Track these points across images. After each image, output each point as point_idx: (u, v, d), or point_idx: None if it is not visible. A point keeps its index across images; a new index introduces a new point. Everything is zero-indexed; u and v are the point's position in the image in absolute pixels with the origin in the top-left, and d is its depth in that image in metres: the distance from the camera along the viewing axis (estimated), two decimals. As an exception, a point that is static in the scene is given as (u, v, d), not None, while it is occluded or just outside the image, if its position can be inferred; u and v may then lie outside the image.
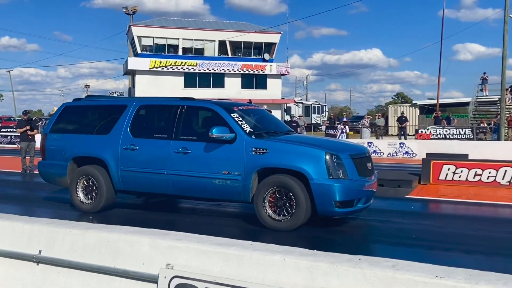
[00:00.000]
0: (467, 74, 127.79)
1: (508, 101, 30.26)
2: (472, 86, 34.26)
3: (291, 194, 6.24)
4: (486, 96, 33.52)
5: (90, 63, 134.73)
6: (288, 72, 45.34)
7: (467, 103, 35.21)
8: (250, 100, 8.66)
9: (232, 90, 42.52)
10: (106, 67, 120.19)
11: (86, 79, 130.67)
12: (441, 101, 40.53)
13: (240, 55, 44.22)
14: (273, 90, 44.46)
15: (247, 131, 6.66)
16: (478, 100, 33.50)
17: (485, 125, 26.40)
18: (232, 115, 6.89)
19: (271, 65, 43.81)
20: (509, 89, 30.70)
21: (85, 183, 7.71)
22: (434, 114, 29.49)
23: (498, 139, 21.59)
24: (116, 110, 7.77)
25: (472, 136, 23.73)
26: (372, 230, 6.87)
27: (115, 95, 42.46)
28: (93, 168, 7.63)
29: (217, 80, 43.02)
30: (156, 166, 7.07)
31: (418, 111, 40.04)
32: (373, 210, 7.54)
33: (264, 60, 44.06)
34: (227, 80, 43.39)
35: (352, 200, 6.29)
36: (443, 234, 6.44)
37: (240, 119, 6.88)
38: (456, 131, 24.35)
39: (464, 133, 24.09)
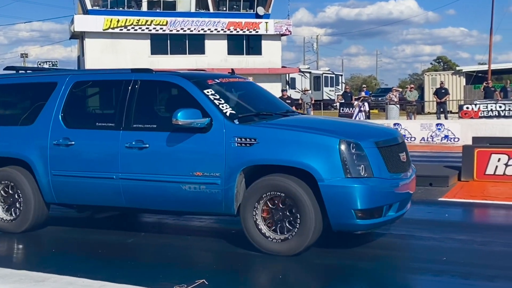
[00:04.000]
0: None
1: None
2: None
3: (293, 202, 5.87)
4: (555, 58, 33.14)
5: (30, 23, 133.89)
6: (290, 31, 45.12)
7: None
8: (232, 69, 8.23)
9: (216, 57, 42.18)
10: (53, 29, 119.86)
11: (27, 45, 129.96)
12: (494, 66, 40.28)
13: (226, 10, 43.88)
14: (271, 55, 44.17)
15: (228, 114, 6.29)
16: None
17: (554, 97, 26.08)
18: (205, 91, 6.49)
19: (266, 23, 43.52)
20: None
21: (4, 192, 7.36)
22: (484, 84, 29.17)
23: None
24: (41, 90, 7.41)
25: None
26: (387, 249, 6.51)
27: (46, 65, 41.70)
28: (15, 171, 7.28)
29: (195, 44, 42.63)
30: (100, 168, 6.72)
31: (463, 80, 39.81)
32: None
33: (257, 16, 43.71)
34: (208, 43, 43.09)
35: (381, 207, 5.91)
36: (487, 255, 6.14)
37: (217, 96, 6.49)
38: (514, 106, 24.06)
39: (525, 109, 23.80)
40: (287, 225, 5.94)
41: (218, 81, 6.96)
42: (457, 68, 45.12)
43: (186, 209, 6.60)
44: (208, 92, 6.50)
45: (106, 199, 6.84)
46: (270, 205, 6.01)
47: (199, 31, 42.37)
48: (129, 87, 6.81)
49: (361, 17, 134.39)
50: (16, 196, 7.27)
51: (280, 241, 5.93)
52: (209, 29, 42.44)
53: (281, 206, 5.97)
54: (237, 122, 6.22)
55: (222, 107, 6.36)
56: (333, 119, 8.40)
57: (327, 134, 6.00)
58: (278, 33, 44.14)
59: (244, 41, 44.07)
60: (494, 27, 35.95)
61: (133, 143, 6.52)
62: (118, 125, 6.69)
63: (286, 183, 5.88)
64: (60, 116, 7.08)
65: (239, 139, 6.07)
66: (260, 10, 43.72)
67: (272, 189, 5.96)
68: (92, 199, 6.95)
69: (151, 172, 6.44)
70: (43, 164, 7.05)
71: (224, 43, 43.45)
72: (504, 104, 24.47)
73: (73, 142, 6.89)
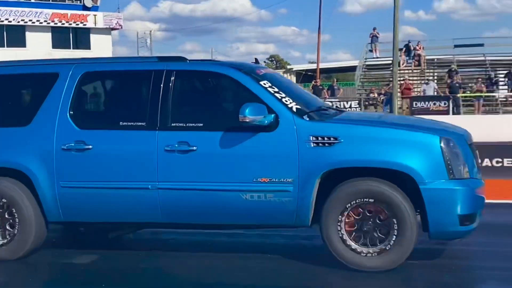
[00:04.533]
0: (357, 30, 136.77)
1: (403, 64, 32.53)
2: (363, 46, 36.21)
3: (385, 210, 5.31)
4: (377, 58, 35.63)
5: None
6: (121, 25, 44.99)
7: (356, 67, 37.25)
8: (256, 59, 7.33)
9: (39, 50, 40.26)
10: None
11: None
12: (323, 65, 42.61)
13: (49, 0, 42.26)
14: (101, 50, 43.50)
15: (294, 109, 5.59)
16: (367, 63, 35.44)
17: (375, 95, 27.95)
18: (262, 83, 5.76)
19: (95, 15, 42.89)
20: (404, 49, 33.00)
21: None
22: (313, 82, 30.59)
23: (391, 113, 22.89)
24: (37, 83, 6.39)
25: (360, 111, 24.93)
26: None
27: None
28: (9, 184, 6.07)
29: (15, 36, 40.90)
30: (130, 176, 5.80)
31: (294, 78, 41.73)
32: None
33: (85, 8, 42.95)
34: (30, 36, 41.50)
35: (476, 212, 5.53)
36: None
37: (276, 89, 5.75)
38: (341, 105, 25.39)
39: (350, 107, 25.27)
40: (379, 236, 5.37)
41: (263, 71, 6.17)
42: (288, 67, 47.13)
43: (244, 222, 5.81)
44: (265, 84, 5.76)
45: (136, 214, 5.91)
46: (354, 215, 5.41)
47: (18, 21, 40.63)
48: (162, 79, 5.93)
49: (196, 13, 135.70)
50: (9, 215, 6.08)
51: (375, 255, 5.35)
52: (30, 20, 40.85)
53: (371, 214, 5.38)
54: (307, 118, 5.56)
55: (286, 101, 5.65)
56: (404, 116, 7.69)
57: (424, 130, 5.58)
58: (108, 27, 43.58)
59: (71, 34, 43.10)
60: (322, 27, 37.89)
61: (176, 145, 5.68)
62: (152, 124, 5.80)
63: (381, 188, 5.32)
64: (68, 115, 6.03)
65: (315, 138, 5.41)
66: (88, 2, 42.92)
67: (363, 196, 5.36)
68: (115, 215, 5.97)
69: (201, 180, 5.65)
70: (48, 174, 5.97)
71: (48, 36, 42.04)
72: (331, 102, 25.77)
73: (90, 146, 5.87)
